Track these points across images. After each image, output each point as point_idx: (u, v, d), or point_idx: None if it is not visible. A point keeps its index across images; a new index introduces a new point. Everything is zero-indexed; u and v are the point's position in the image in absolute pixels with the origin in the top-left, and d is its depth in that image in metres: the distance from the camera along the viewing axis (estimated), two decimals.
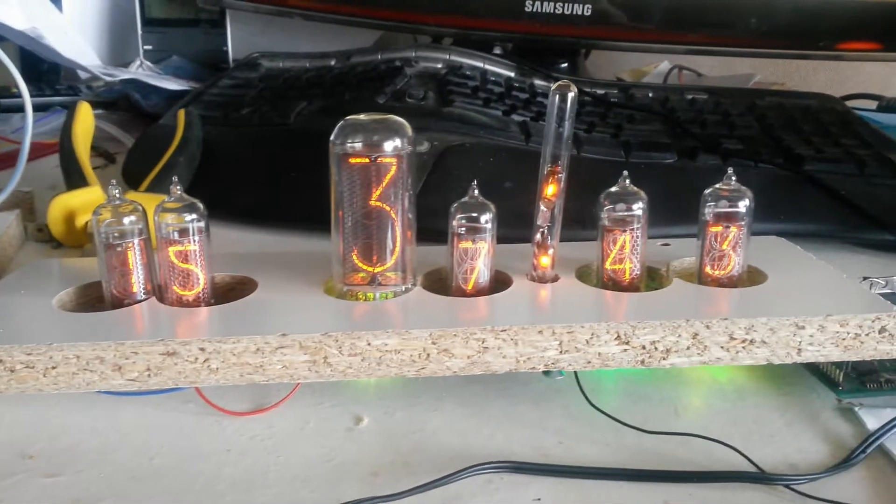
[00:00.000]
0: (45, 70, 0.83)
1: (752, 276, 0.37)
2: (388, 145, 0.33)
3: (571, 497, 0.28)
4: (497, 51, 0.84)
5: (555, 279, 0.36)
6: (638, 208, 0.35)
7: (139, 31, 0.82)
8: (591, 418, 0.33)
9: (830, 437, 0.33)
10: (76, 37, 0.76)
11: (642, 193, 0.36)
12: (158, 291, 0.35)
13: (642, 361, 0.32)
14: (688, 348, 0.32)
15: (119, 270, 0.34)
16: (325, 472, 0.30)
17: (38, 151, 0.61)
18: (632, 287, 0.36)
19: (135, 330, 0.31)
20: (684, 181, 0.57)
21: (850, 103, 0.77)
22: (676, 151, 0.61)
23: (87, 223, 0.45)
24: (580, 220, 0.50)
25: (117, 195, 0.34)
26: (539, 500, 0.28)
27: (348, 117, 0.34)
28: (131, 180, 0.57)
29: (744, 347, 0.32)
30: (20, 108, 0.73)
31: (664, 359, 0.32)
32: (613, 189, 0.36)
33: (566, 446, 0.32)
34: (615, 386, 0.35)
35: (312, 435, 0.32)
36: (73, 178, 0.48)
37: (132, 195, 0.45)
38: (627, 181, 0.36)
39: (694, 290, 0.35)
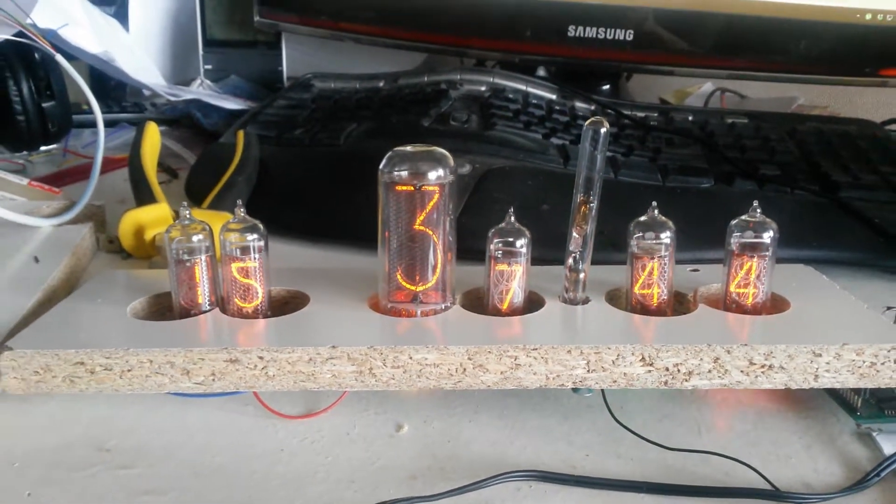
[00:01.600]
0: (112, 87, 0.89)
1: (775, 304, 0.39)
2: (432, 175, 0.36)
3: None
4: (541, 72, 0.86)
5: (585, 302, 0.39)
6: (666, 237, 0.38)
7: (200, 52, 0.87)
8: (616, 434, 0.35)
9: (847, 460, 0.34)
10: (142, 56, 0.81)
11: (670, 223, 0.38)
12: (221, 303, 0.38)
13: (665, 382, 0.34)
14: (709, 371, 0.34)
15: (187, 284, 0.38)
16: (368, 473, 0.32)
17: (106, 166, 0.66)
18: (659, 311, 0.38)
19: (201, 338, 0.35)
20: (720, 206, 0.59)
21: (892, 127, 0.77)
22: (713, 176, 0.62)
23: (154, 237, 0.49)
24: (615, 242, 0.52)
25: (188, 215, 0.38)
26: None
27: (396, 149, 0.37)
28: (194, 196, 0.61)
29: (763, 372, 0.34)
30: (90, 124, 0.78)
31: (686, 381, 0.34)
32: (643, 218, 0.38)
33: (592, 459, 0.34)
34: (640, 404, 0.37)
35: (357, 439, 0.34)
36: (142, 194, 0.52)
37: (196, 212, 0.49)
38: (656, 211, 0.38)
39: (718, 317, 0.37)
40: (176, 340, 0.34)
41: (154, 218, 0.49)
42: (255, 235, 0.37)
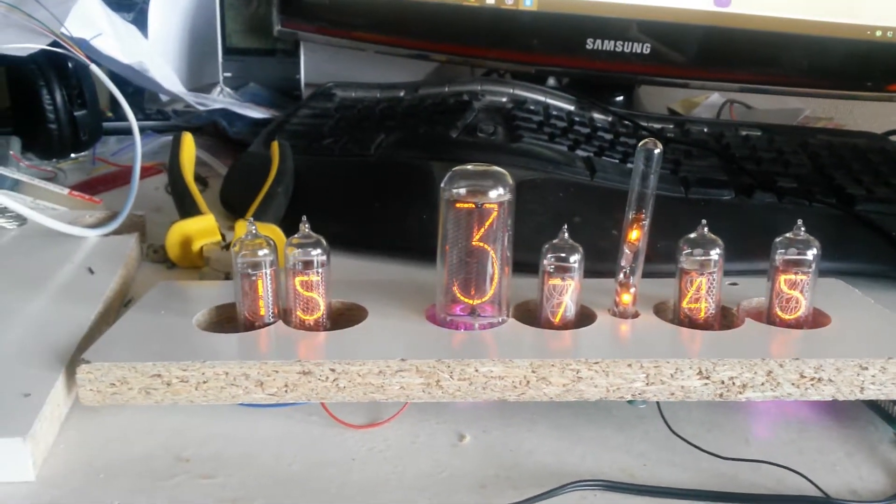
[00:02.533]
0: (129, 93, 0.89)
1: (816, 318, 0.41)
2: (492, 193, 0.38)
3: None
4: (551, 82, 0.88)
5: (635, 315, 0.40)
6: (715, 254, 0.39)
7: (220, 59, 0.88)
8: (670, 443, 0.37)
9: (889, 468, 0.36)
10: (162, 64, 0.82)
11: (720, 241, 0.39)
12: (284, 315, 0.39)
13: (720, 395, 0.36)
14: (762, 384, 0.35)
15: (251, 296, 0.39)
16: (439, 482, 0.34)
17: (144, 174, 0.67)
18: (706, 325, 0.40)
19: (270, 350, 0.36)
20: (742, 218, 0.61)
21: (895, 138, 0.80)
22: (733, 188, 0.64)
23: (202, 248, 0.50)
24: (647, 255, 0.54)
25: (254, 231, 0.39)
26: None
27: (457, 168, 0.38)
28: (230, 206, 0.62)
29: (812, 385, 0.36)
30: (114, 132, 0.79)
31: (740, 393, 0.36)
32: (693, 235, 0.40)
33: (650, 469, 0.35)
34: (689, 414, 0.39)
35: (423, 449, 0.36)
36: (186, 205, 0.52)
37: (241, 223, 0.50)
38: (706, 229, 0.40)
39: (765, 331, 0.39)
40: (246, 352, 0.35)
41: (201, 229, 0.50)
42: (319, 250, 0.39)
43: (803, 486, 0.34)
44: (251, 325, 0.39)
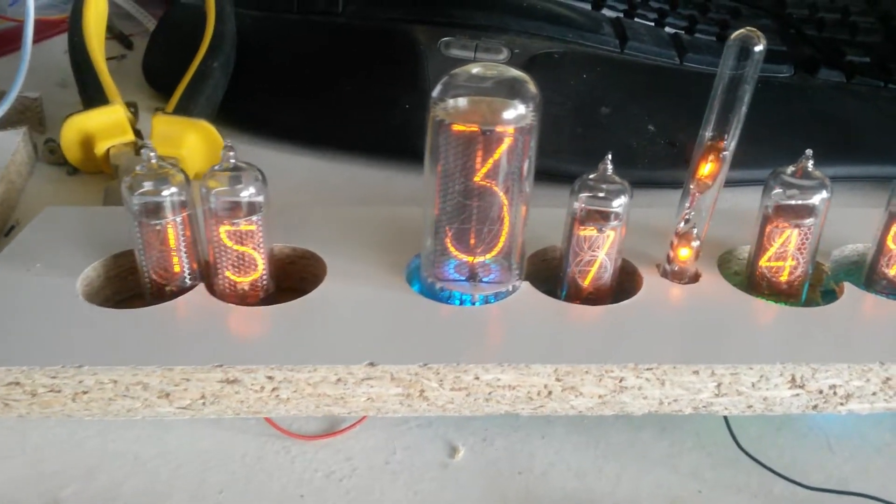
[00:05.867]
0: None
1: None
2: (507, 112, 0.25)
3: None
4: None
5: (695, 277, 0.29)
6: (819, 198, 0.28)
7: None
8: (730, 455, 0.27)
9: None
10: None
11: (827, 180, 0.28)
12: (206, 274, 0.28)
13: (815, 406, 0.26)
14: (874, 394, 0.25)
15: (158, 250, 0.27)
16: None
17: (40, 33, 0.52)
18: (791, 290, 0.29)
19: (183, 341, 0.25)
20: (803, 103, 0.48)
21: None
22: (793, 62, 0.51)
23: (108, 151, 0.37)
24: (673, 141, 0.42)
25: (153, 156, 0.27)
26: None
27: (456, 71, 0.26)
28: (155, 82, 0.48)
29: None
30: None
31: (842, 405, 0.26)
32: (788, 169, 0.28)
33: (707, 497, 0.26)
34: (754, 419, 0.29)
35: (400, 472, 0.26)
36: (89, 90, 0.39)
37: (160, 119, 0.37)
38: (810, 162, 0.28)
39: (876, 307, 0.28)
40: (146, 346, 0.25)
41: (105, 125, 0.38)
42: (252, 189, 0.27)
43: None
44: (159, 290, 0.28)
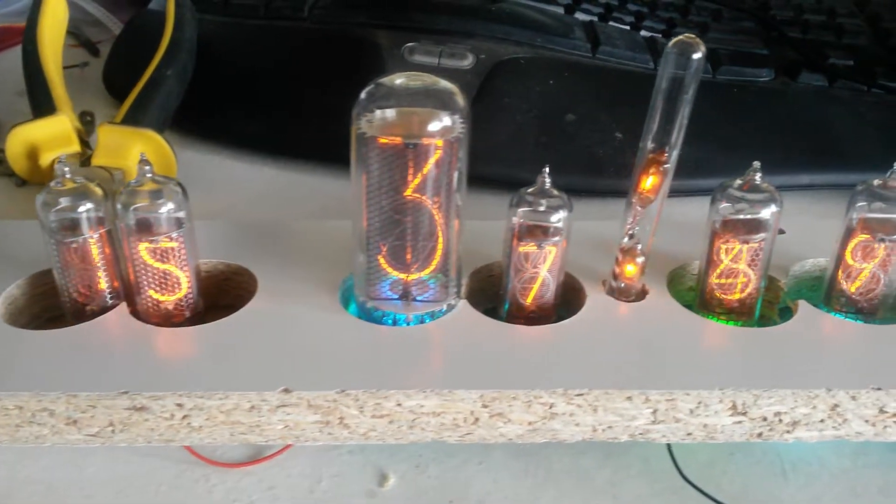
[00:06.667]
0: None
1: None
2: (435, 125, 0.24)
3: None
4: None
5: (641, 294, 0.28)
6: (769, 212, 0.26)
7: None
8: (679, 486, 0.26)
9: None
10: None
11: (777, 194, 0.26)
12: (128, 293, 0.27)
13: (759, 434, 0.24)
14: (821, 421, 0.24)
15: (76, 268, 0.26)
16: None
17: (5, 40, 0.51)
18: (744, 308, 0.28)
19: (94, 366, 0.24)
20: (783, 109, 0.47)
21: None
22: (773, 66, 0.50)
23: (54, 163, 0.36)
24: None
25: (67, 171, 0.26)
26: None
27: (381, 80, 0.24)
28: (114, 89, 0.47)
29: (895, 422, 0.24)
30: None
31: (788, 432, 0.24)
32: (736, 182, 0.27)
33: None
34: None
35: (324, 501, 0.25)
36: (38, 99, 0.38)
37: (105, 130, 0.36)
38: (758, 175, 0.26)
39: (830, 328, 0.27)
40: (56, 371, 0.23)
41: (50, 136, 0.37)
42: (171, 205, 0.25)
43: None
44: (80, 310, 0.27)
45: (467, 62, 0.44)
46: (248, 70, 0.46)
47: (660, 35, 0.52)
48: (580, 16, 0.51)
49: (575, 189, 0.40)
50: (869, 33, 0.55)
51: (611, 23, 0.52)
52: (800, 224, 0.33)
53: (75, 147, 0.37)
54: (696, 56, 0.24)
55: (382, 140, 0.24)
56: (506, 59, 0.45)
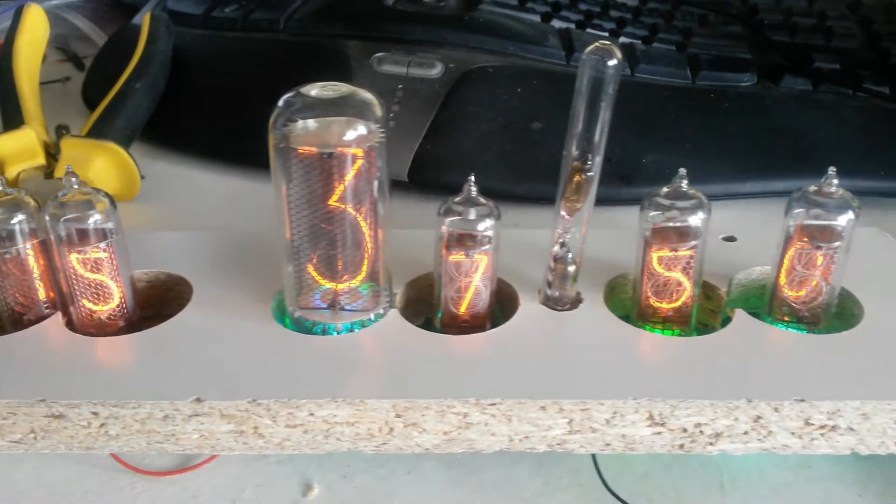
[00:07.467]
0: None
1: (842, 306, 0.28)
2: (351, 134, 0.24)
3: None
4: None
5: (576, 302, 0.28)
6: (699, 219, 0.26)
7: None
8: (610, 499, 0.25)
9: None
10: None
11: (706, 199, 0.26)
12: (63, 304, 0.27)
13: (681, 446, 0.24)
14: (745, 433, 0.23)
15: (14, 278, 0.27)
16: None
17: None
18: (679, 317, 0.27)
19: (21, 374, 0.24)
20: (763, 114, 0.46)
21: None
22: (756, 70, 0.49)
23: (19, 175, 0.37)
24: (625, 174, 0.40)
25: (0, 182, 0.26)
26: None
27: (298, 90, 0.25)
28: (91, 103, 0.48)
29: (822, 435, 0.23)
30: None
31: (711, 444, 0.24)
32: (663, 190, 0.26)
33: None
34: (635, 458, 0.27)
35: None
36: (9, 111, 0.39)
37: (67, 142, 0.37)
38: (684, 182, 0.26)
39: (762, 336, 0.26)
40: None
41: (17, 148, 0.37)
42: (98, 216, 0.26)
43: None
44: (18, 319, 0.27)
45: (436, 71, 0.44)
46: (225, 82, 0.47)
47: (641, 41, 0.52)
48: (557, 23, 0.51)
49: (540, 197, 0.40)
50: (860, 36, 0.54)
51: (588, 30, 0.51)
52: (750, 231, 0.32)
53: (40, 160, 0.38)
54: (612, 63, 0.24)
55: (300, 150, 0.24)
56: (474, 68, 0.45)
